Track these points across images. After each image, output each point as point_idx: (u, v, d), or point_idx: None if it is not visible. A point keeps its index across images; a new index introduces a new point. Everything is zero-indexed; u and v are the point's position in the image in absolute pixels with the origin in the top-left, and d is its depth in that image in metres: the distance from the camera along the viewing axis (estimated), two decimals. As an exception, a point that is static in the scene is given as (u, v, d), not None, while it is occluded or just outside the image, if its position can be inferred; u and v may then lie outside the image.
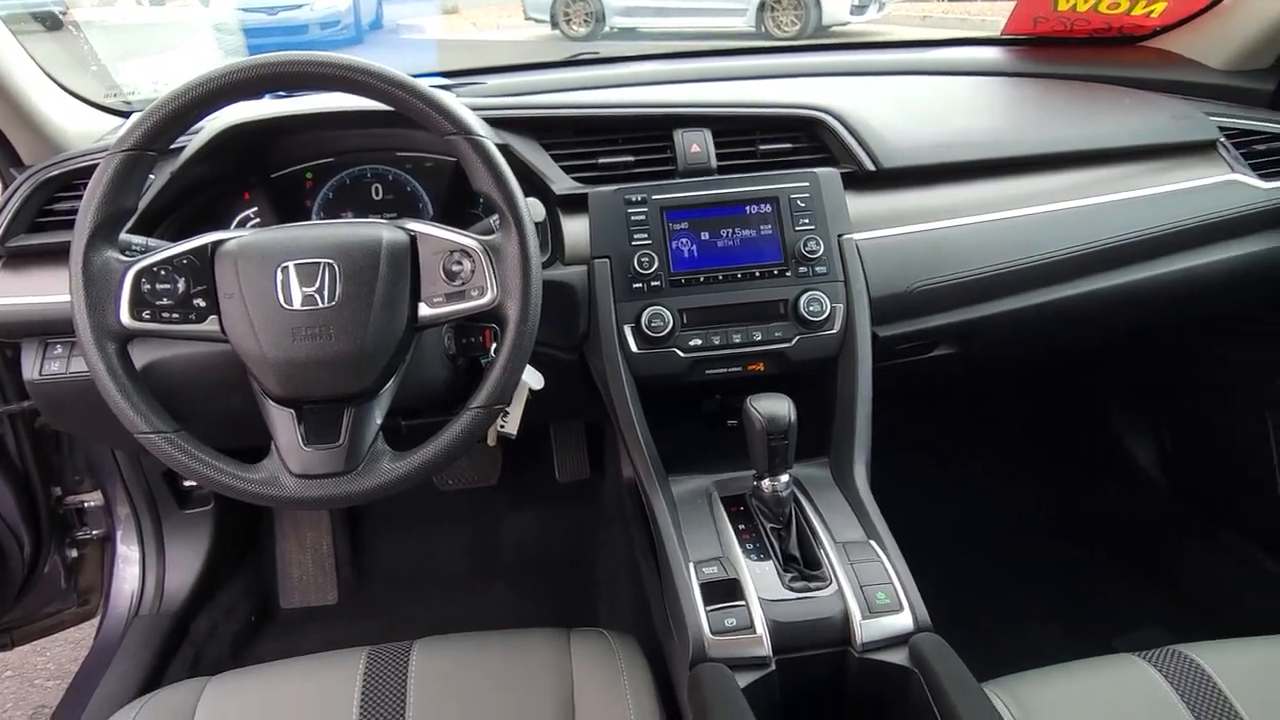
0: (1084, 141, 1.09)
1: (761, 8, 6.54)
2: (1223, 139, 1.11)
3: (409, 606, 1.51)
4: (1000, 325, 1.06)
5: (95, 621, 1.37)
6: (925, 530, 1.00)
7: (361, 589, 1.57)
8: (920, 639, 0.78)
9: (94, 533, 1.35)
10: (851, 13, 6.64)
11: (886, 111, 1.08)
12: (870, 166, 1.01)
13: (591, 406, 1.03)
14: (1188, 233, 1.07)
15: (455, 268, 0.79)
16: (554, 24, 6.95)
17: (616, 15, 6.85)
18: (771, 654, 0.78)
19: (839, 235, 0.97)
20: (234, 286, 0.77)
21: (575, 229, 0.98)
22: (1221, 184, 1.08)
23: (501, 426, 0.97)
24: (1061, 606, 1.39)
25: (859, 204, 1.00)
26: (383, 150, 1.06)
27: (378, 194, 1.07)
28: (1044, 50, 1.33)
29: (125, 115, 1.19)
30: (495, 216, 0.83)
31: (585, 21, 6.91)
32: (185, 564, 1.40)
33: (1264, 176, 1.09)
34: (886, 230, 1.01)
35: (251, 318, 0.76)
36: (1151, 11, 1.26)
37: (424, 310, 0.80)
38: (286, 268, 0.77)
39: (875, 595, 0.80)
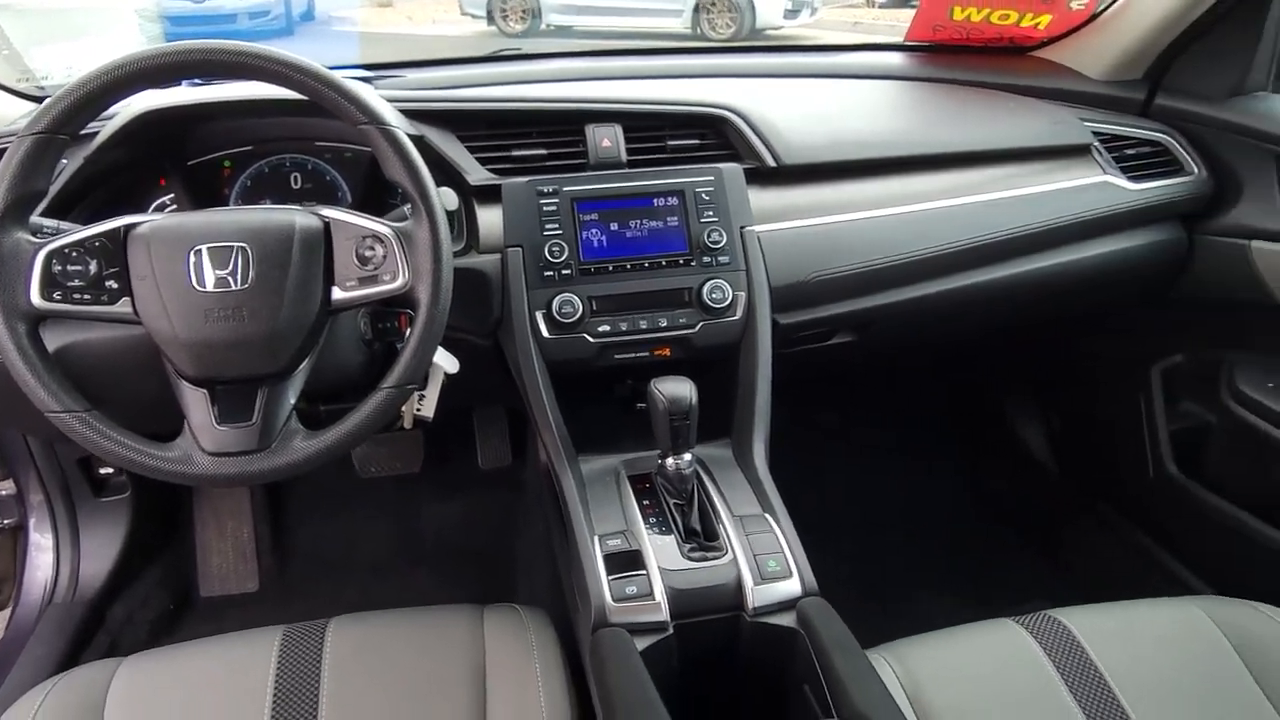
0: (972, 143, 1.17)
1: (697, 9, 6.62)
2: (1096, 143, 1.19)
3: (331, 592, 1.52)
4: (894, 314, 1.13)
5: (7, 611, 1.36)
6: (826, 509, 1.06)
7: (283, 576, 1.57)
8: (806, 603, 0.84)
9: (6, 521, 1.34)
10: (785, 17, 6.76)
11: (790, 112, 1.14)
12: (771, 163, 1.07)
13: (509, 392, 1.07)
14: (1064, 230, 1.15)
15: (368, 253, 0.82)
16: (490, 19, 6.92)
17: (553, 13, 6.85)
18: (669, 619, 0.83)
19: (741, 227, 1.03)
20: (146, 269, 0.78)
21: (489, 219, 1.01)
22: (1094, 185, 1.17)
23: (418, 410, 1.00)
24: (953, 579, 1.48)
25: (761, 198, 1.06)
26: (302, 140, 1.08)
27: (296, 183, 1.09)
28: (942, 57, 1.41)
29: (39, 100, 1.18)
30: (409, 205, 0.87)
31: (522, 18, 6.89)
32: (100, 552, 1.39)
33: (1132, 179, 1.19)
34: (786, 223, 1.07)
35: (164, 300, 0.78)
36: (1038, 24, 1.35)
37: (337, 294, 0.83)
38: (199, 251, 0.79)
39: (767, 563, 0.86)
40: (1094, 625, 0.94)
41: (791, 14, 6.81)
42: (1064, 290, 1.20)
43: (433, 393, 1.00)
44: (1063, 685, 0.88)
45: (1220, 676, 0.89)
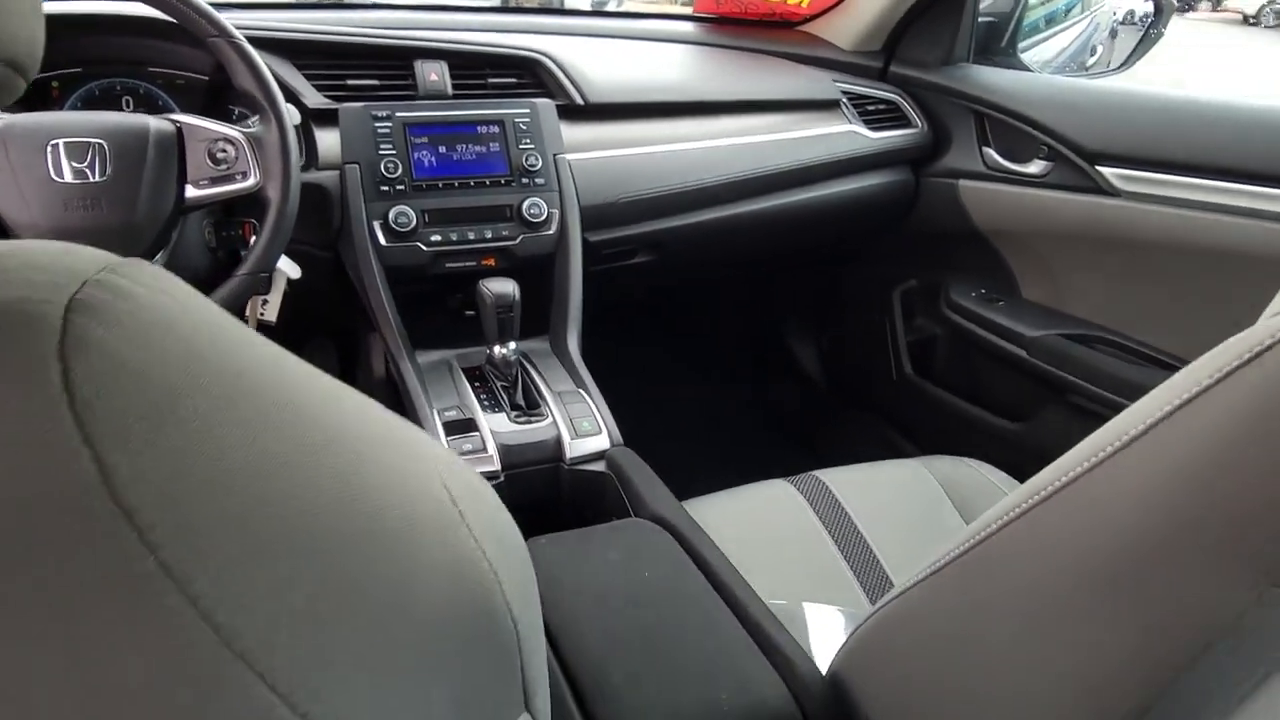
0: (747, 94, 1.39)
1: (508, -10, 6.72)
2: (844, 100, 1.45)
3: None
4: (684, 236, 1.33)
5: None
6: (631, 414, 1.23)
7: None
8: (614, 451, 1.02)
9: None
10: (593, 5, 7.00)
11: (595, 61, 1.32)
12: (579, 101, 1.25)
13: (342, 311, 1.17)
14: (819, 168, 1.40)
15: (220, 154, 0.92)
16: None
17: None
18: (501, 469, 0.98)
19: (554, 154, 1.20)
20: (3, 162, 0.84)
21: (327, 140, 1.12)
22: (842, 133, 1.43)
23: (261, 314, 1.10)
24: (737, 464, 1.72)
25: (571, 132, 1.23)
26: (134, 63, 1.13)
27: (128, 106, 1.14)
28: (724, 27, 1.64)
29: None
30: (254, 118, 0.96)
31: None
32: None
33: (872, 129, 1.46)
34: (593, 153, 1.24)
35: (22, 189, 0.84)
36: (801, 3, 1.61)
37: (191, 191, 0.92)
38: (57, 145, 0.85)
39: (581, 423, 1.04)
40: (845, 480, 1.18)
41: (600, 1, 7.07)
42: (820, 220, 1.46)
43: (275, 297, 1.09)
44: (821, 526, 1.12)
45: (934, 511, 1.16)
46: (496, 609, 0.31)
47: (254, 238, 1.04)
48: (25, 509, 0.22)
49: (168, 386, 0.24)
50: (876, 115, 1.48)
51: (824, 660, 0.71)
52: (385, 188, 1.11)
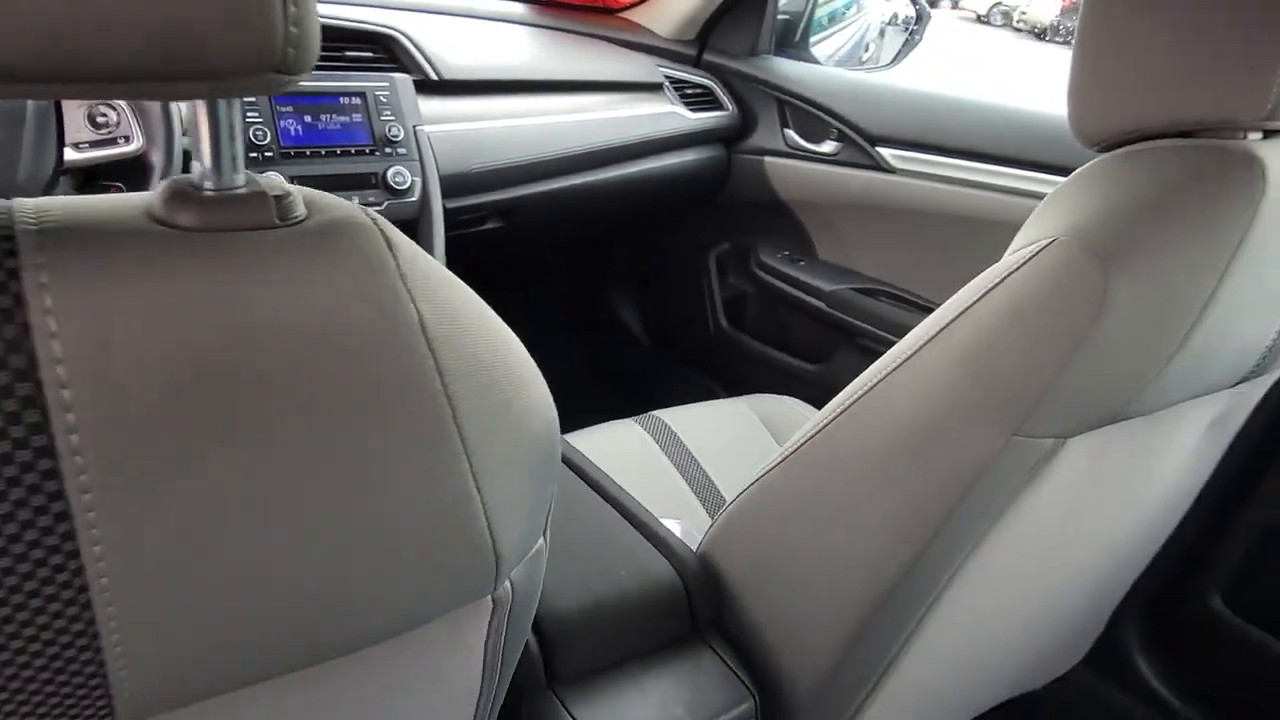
0: (584, 75, 1.53)
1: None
2: (666, 83, 1.63)
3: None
4: (530, 204, 1.46)
5: None
6: None
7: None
8: None
9: None
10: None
11: (446, 38, 1.40)
12: (434, 76, 1.34)
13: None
14: (645, 145, 1.57)
15: (100, 119, 0.94)
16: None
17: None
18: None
19: (414, 125, 1.28)
20: None
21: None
22: (665, 113, 1.60)
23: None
24: (577, 418, 1.89)
25: (429, 105, 1.32)
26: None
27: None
28: (552, 10, 1.76)
29: None
30: None
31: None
32: None
33: (691, 110, 1.64)
34: (449, 126, 1.34)
35: None
36: (622, -11, 1.76)
37: (71, 155, 0.93)
38: None
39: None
40: (682, 419, 1.37)
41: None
42: (646, 191, 1.63)
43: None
44: (665, 457, 1.29)
45: (757, 440, 1.37)
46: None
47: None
48: (380, 346, 0.34)
49: (432, 263, 0.38)
50: (693, 98, 1.67)
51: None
52: (254, 154, 1.16)
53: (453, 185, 1.32)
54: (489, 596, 0.45)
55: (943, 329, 0.68)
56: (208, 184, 0.35)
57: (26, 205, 0.31)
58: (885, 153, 1.49)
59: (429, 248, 1.27)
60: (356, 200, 1.23)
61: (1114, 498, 0.82)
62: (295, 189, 0.37)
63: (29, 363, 0.28)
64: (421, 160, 1.28)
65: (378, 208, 1.24)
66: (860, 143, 1.52)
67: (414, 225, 1.28)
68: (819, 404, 1.41)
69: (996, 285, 0.65)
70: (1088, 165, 0.68)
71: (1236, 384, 0.76)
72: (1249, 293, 0.64)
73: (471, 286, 0.43)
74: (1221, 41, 0.61)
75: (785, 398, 1.47)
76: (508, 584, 0.46)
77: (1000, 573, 0.79)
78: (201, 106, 0.34)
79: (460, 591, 0.42)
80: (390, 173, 1.24)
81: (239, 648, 0.35)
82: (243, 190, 0.35)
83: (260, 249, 0.33)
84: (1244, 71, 0.61)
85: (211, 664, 0.35)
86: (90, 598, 0.31)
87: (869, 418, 0.75)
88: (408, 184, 1.25)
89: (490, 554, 0.41)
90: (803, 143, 1.61)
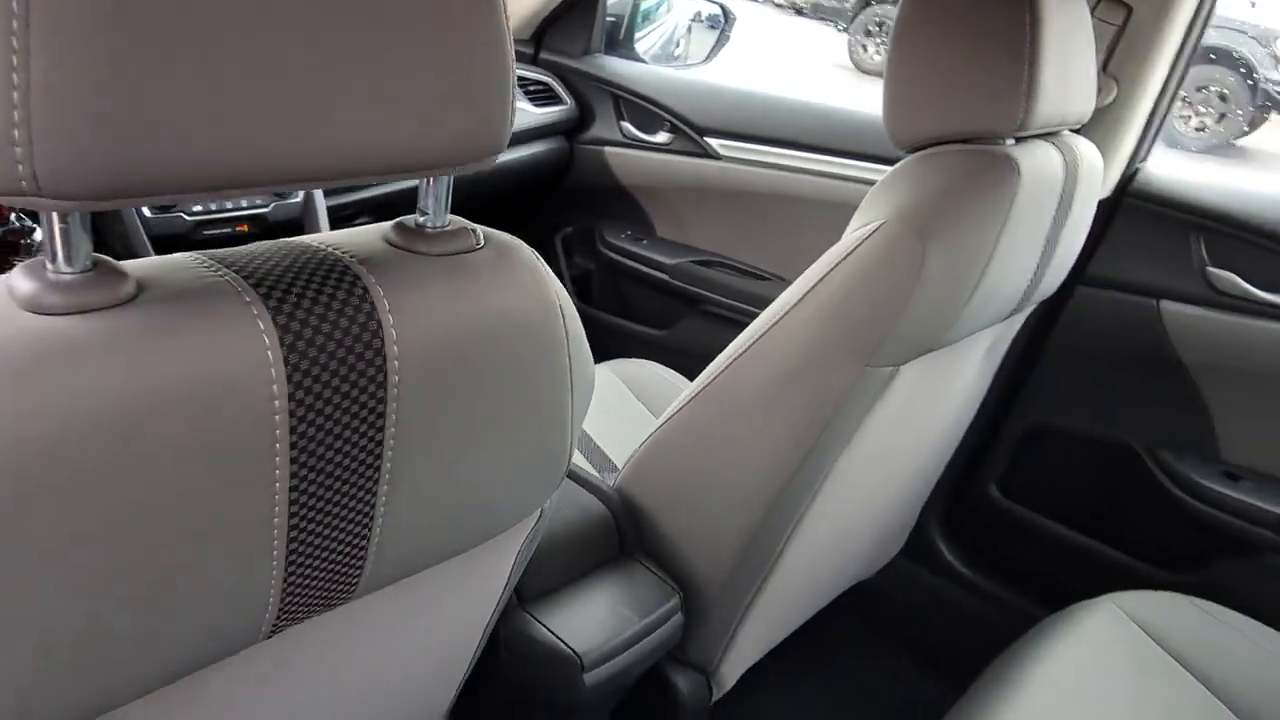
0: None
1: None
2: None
3: None
4: (398, 199, 1.56)
5: None
6: None
7: None
8: None
9: None
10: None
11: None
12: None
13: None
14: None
15: None
16: None
17: None
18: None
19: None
20: None
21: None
22: (514, 109, 1.74)
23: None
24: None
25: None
26: None
27: None
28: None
29: None
30: None
31: None
32: None
33: (535, 105, 1.79)
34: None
35: None
36: (457, -8, 1.87)
37: None
38: None
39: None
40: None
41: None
42: (496, 181, 1.76)
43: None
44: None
45: (625, 402, 1.55)
46: None
47: (12, 214, 1.08)
48: (546, 332, 0.52)
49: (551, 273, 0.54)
50: (535, 94, 1.81)
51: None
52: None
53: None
54: (544, 504, 0.62)
55: (809, 290, 0.90)
56: (428, 222, 0.49)
57: (344, 249, 0.45)
58: (712, 142, 1.71)
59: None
60: (245, 203, 1.29)
61: (927, 412, 1.09)
62: (467, 223, 0.52)
63: (380, 341, 0.44)
64: (302, 163, 1.35)
65: (265, 209, 1.31)
66: (690, 134, 1.73)
67: (300, 223, 1.36)
68: (671, 364, 1.64)
69: (848, 256, 0.88)
70: (901, 164, 0.91)
71: (1006, 318, 1.04)
72: (1012, 254, 0.91)
73: None
74: (986, 70, 0.86)
75: (643, 361, 1.67)
76: (550, 499, 0.63)
77: (853, 480, 1.03)
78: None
79: (543, 493, 0.59)
80: (275, 176, 1.31)
81: (437, 529, 0.51)
82: (451, 227, 0.50)
83: (476, 267, 0.49)
84: (1001, 93, 0.86)
85: (417, 549, 0.51)
86: (379, 477, 0.46)
87: (754, 364, 0.96)
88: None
89: (564, 467, 0.58)
90: (639, 134, 1.81)
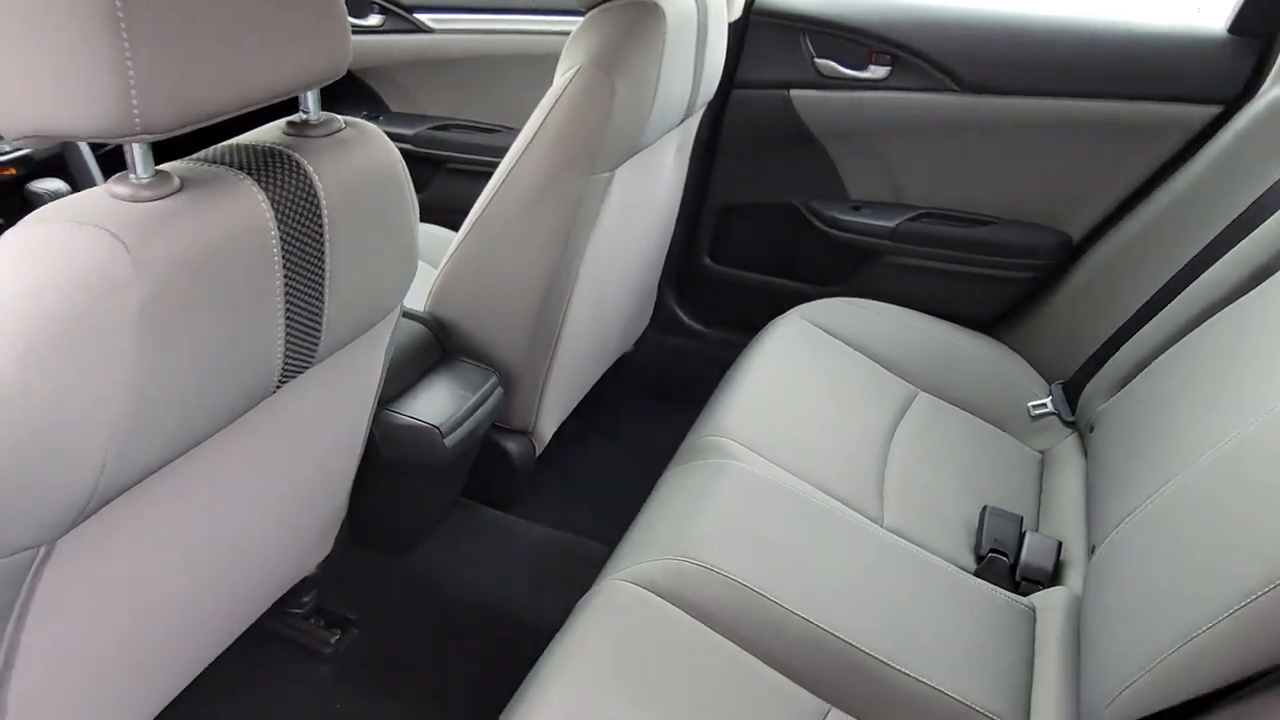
0: None
1: None
2: None
3: None
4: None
5: None
6: None
7: None
8: None
9: None
10: None
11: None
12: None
13: None
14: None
15: None
16: None
17: None
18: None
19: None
20: None
21: None
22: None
23: None
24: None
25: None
26: None
27: None
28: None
29: None
30: None
31: None
32: None
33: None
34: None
35: None
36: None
37: None
38: None
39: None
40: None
41: None
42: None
43: None
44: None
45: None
46: None
47: None
48: None
49: None
50: None
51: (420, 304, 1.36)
52: None
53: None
54: (399, 308, 0.92)
55: (537, 129, 1.21)
56: (311, 118, 0.76)
57: (274, 143, 0.71)
58: (423, 17, 1.92)
59: (83, 172, 1.47)
60: (8, 148, 1.38)
61: (643, 204, 1.46)
62: (333, 115, 0.78)
63: (315, 191, 0.71)
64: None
65: (28, 151, 1.40)
66: (400, 12, 1.92)
67: (61, 158, 1.46)
68: (432, 221, 1.90)
69: (560, 96, 1.19)
70: (584, 20, 1.22)
71: (681, 121, 1.41)
72: (672, 73, 1.27)
73: None
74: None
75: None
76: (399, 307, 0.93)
77: (601, 264, 1.39)
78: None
79: (407, 284, 0.89)
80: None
81: (356, 307, 0.81)
82: (324, 118, 0.77)
83: (350, 140, 0.77)
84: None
85: (346, 324, 0.80)
86: (323, 271, 0.74)
87: (508, 194, 1.27)
88: None
89: (415, 264, 0.89)
90: (353, 19, 1.96)
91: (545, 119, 1.21)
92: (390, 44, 1.96)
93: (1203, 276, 1.29)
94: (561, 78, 1.20)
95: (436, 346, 1.33)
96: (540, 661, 0.94)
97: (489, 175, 1.28)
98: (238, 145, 0.72)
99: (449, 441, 1.20)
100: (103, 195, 0.61)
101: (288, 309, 0.72)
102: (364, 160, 0.77)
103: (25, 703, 0.75)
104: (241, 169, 0.68)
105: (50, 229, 0.58)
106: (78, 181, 1.47)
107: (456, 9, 1.90)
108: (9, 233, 0.59)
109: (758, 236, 1.86)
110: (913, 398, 1.49)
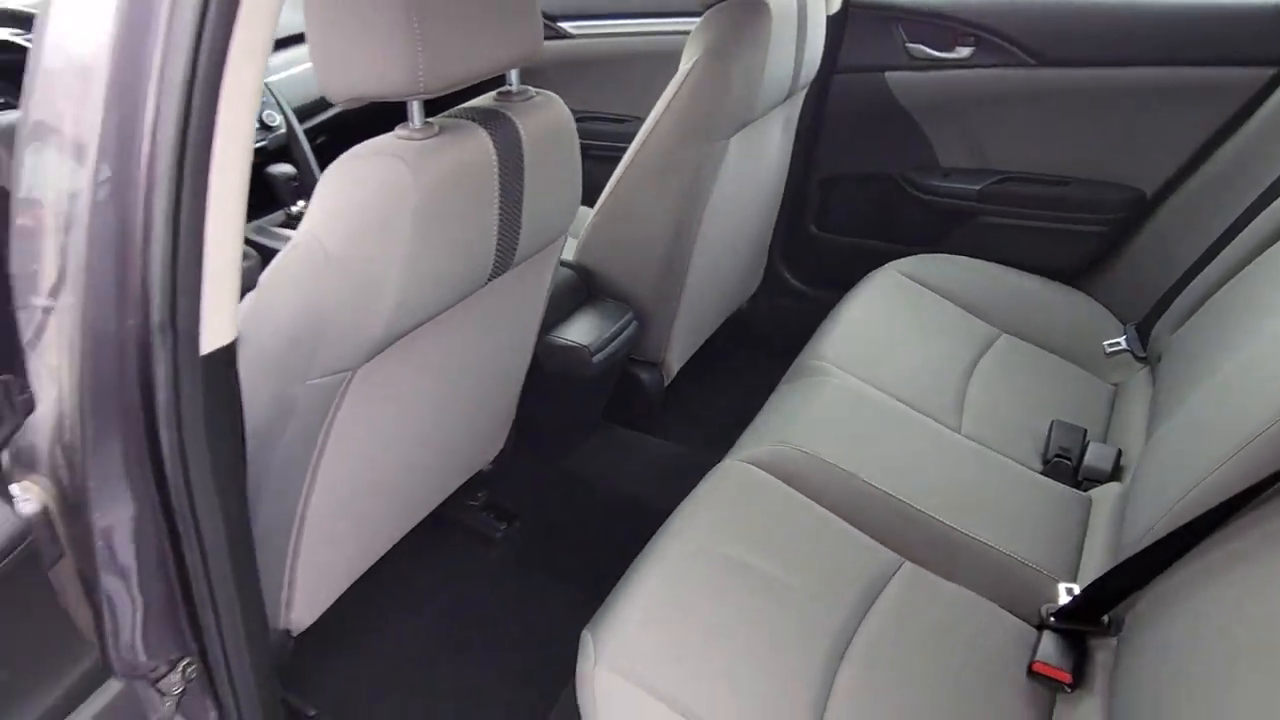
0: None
1: None
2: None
3: None
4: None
5: None
6: None
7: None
8: None
9: None
10: None
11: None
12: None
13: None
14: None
15: None
16: None
17: None
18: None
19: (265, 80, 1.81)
20: None
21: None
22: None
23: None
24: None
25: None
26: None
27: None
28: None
29: None
30: None
31: None
32: None
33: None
34: (278, 75, 1.87)
35: None
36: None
37: None
38: None
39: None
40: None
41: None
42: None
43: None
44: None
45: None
46: None
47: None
48: None
49: None
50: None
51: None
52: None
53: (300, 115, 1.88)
54: (566, 236, 1.22)
55: (664, 110, 1.49)
56: (513, 90, 1.07)
57: (497, 107, 1.02)
58: (565, 25, 2.24)
59: (303, 159, 1.84)
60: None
61: (753, 171, 1.72)
62: (528, 87, 1.09)
63: (519, 138, 1.02)
64: (278, 101, 1.82)
65: (261, 142, 1.78)
66: (549, 21, 2.25)
67: (287, 148, 1.83)
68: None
69: (685, 79, 1.47)
70: (701, 19, 1.50)
71: (786, 99, 1.67)
72: (778, 55, 1.53)
73: None
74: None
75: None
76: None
77: (717, 222, 1.66)
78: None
79: (573, 214, 1.18)
80: (263, 115, 1.78)
81: (543, 229, 1.11)
82: (520, 88, 1.08)
83: (539, 103, 1.08)
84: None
85: (536, 236, 1.11)
86: (522, 195, 1.05)
87: (639, 165, 1.55)
88: (278, 121, 1.80)
89: (579, 200, 1.18)
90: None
91: (671, 100, 1.49)
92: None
93: (1259, 217, 1.44)
94: (685, 66, 1.48)
95: (584, 288, 1.63)
96: (668, 521, 1.20)
97: (620, 159, 1.56)
98: (471, 106, 1.03)
99: (596, 359, 1.50)
100: (392, 137, 0.93)
101: (499, 220, 1.02)
102: (550, 119, 1.07)
103: (316, 518, 1.08)
104: (475, 121, 0.99)
105: (363, 158, 0.90)
106: (299, 166, 1.84)
107: (592, 16, 2.21)
108: (336, 162, 0.91)
109: (858, 205, 2.09)
110: (995, 337, 1.69)
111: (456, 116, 1.00)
